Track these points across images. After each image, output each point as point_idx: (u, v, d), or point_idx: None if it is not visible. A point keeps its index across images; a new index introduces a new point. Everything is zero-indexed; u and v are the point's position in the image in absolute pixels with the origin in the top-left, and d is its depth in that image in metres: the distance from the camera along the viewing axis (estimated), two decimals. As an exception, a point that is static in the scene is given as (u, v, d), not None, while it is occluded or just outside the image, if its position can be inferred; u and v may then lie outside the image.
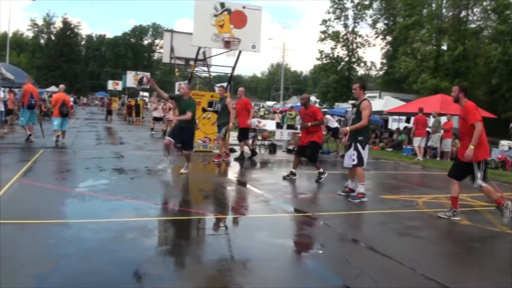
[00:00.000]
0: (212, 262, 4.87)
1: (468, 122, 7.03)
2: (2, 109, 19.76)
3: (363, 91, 8.82)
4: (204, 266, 4.80)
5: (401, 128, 23.92)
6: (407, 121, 25.30)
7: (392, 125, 27.63)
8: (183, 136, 10.02)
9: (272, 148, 17.47)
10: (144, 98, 51.23)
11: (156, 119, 23.11)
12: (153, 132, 22.71)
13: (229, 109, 13.13)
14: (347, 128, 8.79)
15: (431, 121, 19.00)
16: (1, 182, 7.91)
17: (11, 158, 11.62)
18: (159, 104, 23.39)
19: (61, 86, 16.85)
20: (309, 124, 10.30)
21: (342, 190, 9.01)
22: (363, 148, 8.53)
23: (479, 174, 7.09)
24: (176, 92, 17.45)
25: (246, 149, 14.53)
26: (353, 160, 8.58)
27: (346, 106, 29.30)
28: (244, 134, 14.14)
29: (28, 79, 15.76)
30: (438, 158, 18.29)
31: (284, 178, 10.70)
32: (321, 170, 10.54)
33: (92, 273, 4.36)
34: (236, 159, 13.82)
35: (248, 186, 9.83)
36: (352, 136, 8.64)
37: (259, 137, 17.82)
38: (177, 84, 17.70)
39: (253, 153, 14.60)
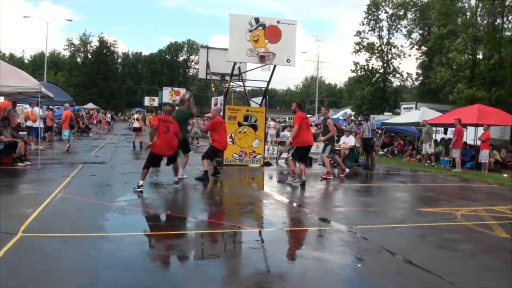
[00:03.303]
0: (250, 275, 4.91)
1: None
2: (42, 126, 20.31)
3: None
4: (242, 279, 4.84)
5: (438, 140, 23.44)
6: (445, 132, 24.86)
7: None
8: None
9: (308, 162, 17.40)
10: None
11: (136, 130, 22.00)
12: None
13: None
14: None
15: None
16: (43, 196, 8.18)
17: (52, 173, 11.97)
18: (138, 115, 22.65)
19: (66, 104, 19.76)
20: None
21: None
22: None
23: (291, 152, 11.44)
24: (213, 107, 17.62)
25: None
26: None
27: (382, 118, 29.02)
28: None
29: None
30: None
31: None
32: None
33: (133, 284, 4.46)
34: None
35: (285, 199, 9.85)
36: None
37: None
38: (213, 99, 17.92)
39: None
